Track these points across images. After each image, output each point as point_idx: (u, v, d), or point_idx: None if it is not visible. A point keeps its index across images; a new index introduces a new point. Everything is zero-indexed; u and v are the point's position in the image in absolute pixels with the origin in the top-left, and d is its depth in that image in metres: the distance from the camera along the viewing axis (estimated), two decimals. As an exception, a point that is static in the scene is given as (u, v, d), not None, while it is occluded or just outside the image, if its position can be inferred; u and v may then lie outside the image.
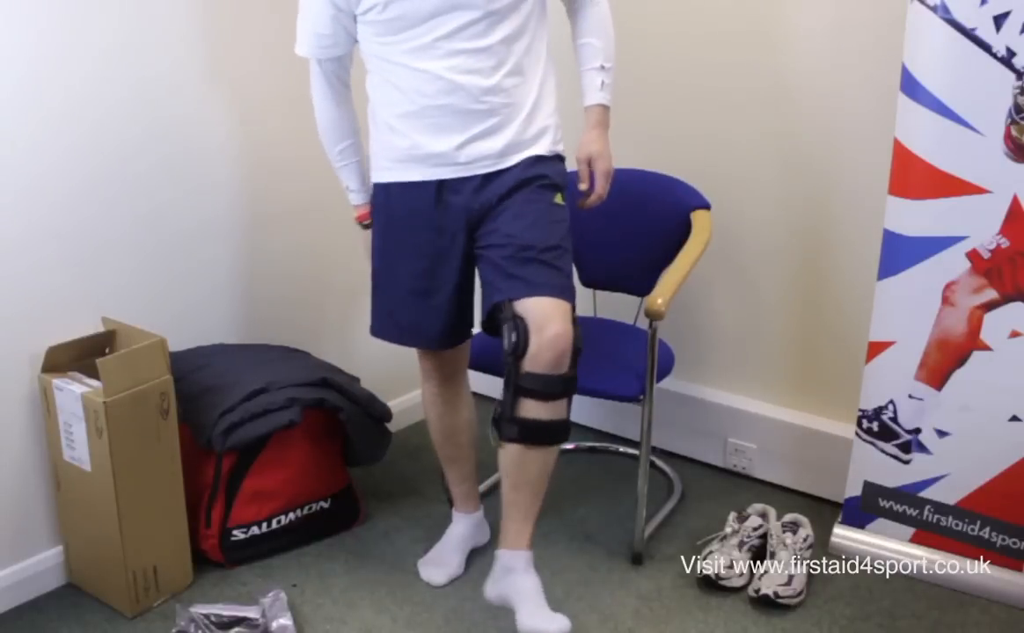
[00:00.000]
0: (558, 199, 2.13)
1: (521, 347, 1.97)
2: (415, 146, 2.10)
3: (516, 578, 2.11)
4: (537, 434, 2.03)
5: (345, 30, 2.12)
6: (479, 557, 2.52)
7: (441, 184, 2.11)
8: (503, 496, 2.14)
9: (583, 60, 2.20)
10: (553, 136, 2.15)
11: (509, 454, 2.07)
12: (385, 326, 2.29)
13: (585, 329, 2.66)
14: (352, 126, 2.26)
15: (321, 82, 2.21)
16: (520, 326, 1.98)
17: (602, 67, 2.18)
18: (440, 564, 2.47)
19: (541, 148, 2.12)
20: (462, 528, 2.52)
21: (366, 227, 2.30)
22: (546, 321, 1.96)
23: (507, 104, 2.07)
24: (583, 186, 2.19)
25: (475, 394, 2.49)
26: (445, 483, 2.69)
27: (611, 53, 2.20)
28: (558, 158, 2.18)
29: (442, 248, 2.15)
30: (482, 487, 2.72)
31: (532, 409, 2.00)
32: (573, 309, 2.06)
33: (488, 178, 2.10)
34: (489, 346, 2.31)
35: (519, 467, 2.08)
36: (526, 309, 1.98)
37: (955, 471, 2.39)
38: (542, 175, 2.11)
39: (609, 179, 2.20)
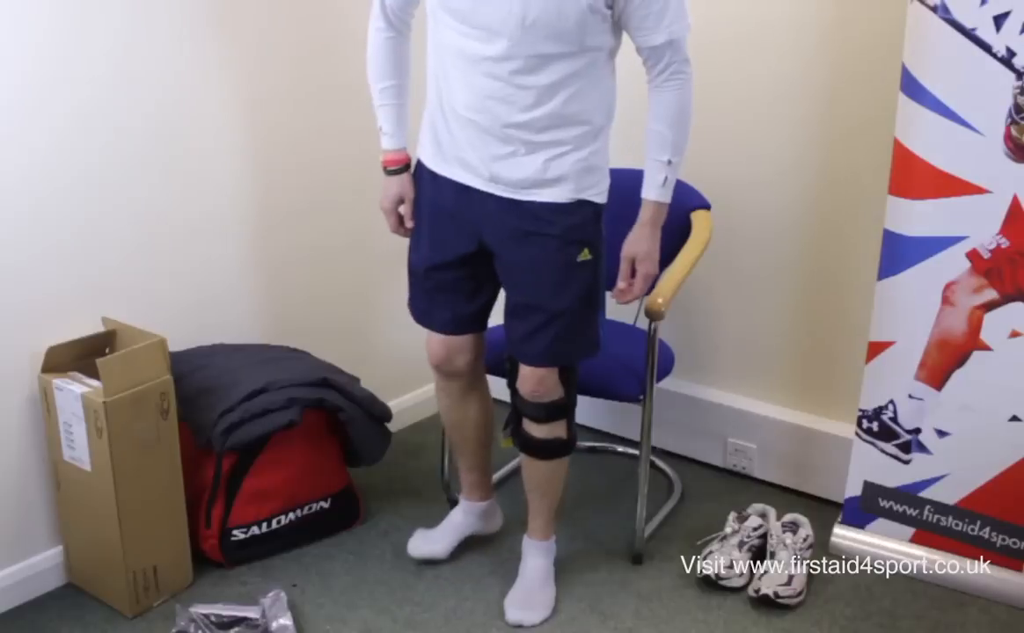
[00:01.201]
0: (584, 255, 2.07)
1: (514, 372, 2.20)
2: (450, 143, 2.08)
3: (524, 561, 2.38)
4: (535, 448, 2.26)
5: None
6: (478, 554, 2.52)
7: (466, 188, 2.09)
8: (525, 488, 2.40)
9: (649, 147, 2.06)
10: (576, 184, 2.03)
11: (522, 457, 2.33)
12: (411, 298, 2.31)
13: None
14: (401, 67, 2.17)
15: (380, 15, 2.13)
16: (512, 362, 2.21)
17: (669, 162, 2.04)
18: (426, 539, 2.51)
19: (562, 194, 2.03)
20: (461, 515, 2.54)
21: (390, 173, 2.20)
22: (522, 369, 2.17)
23: (530, 141, 1.99)
24: (622, 284, 2.14)
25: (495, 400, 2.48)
26: (444, 480, 2.71)
27: (682, 145, 2.06)
28: (584, 205, 2.06)
29: (452, 245, 2.16)
30: (497, 475, 2.72)
31: (529, 427, 2.23)
32: (567, 362, 2.16)
33: (508, 202, 2.05)
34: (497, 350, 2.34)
35: (528, 471, 2.34)
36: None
37: (955, 471, 2.39)
38: (563, 235, 2.04)
39: (649, 281, 2.14)
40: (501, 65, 1.93)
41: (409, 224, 2.22)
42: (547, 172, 2.02)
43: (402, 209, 2.22)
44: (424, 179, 2.18)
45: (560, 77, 1.95)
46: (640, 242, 2.11)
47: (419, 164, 2.20)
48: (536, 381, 2.14)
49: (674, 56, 1.99)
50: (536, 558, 2.37)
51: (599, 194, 2.09)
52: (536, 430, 2.22)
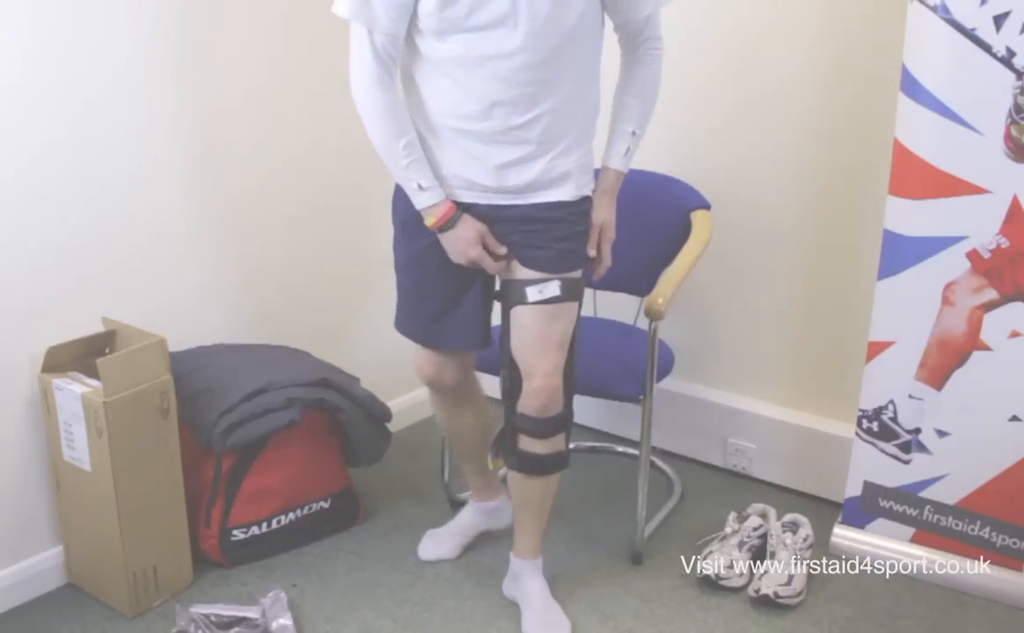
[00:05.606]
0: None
1: (515, 391, 2.11)
2: (444, 163, 2.02)
3: (523, 583, 2.29)
4: (534, 465, 2.17)
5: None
6: (478, 554, 2.53)
7: (465, 207, 2.05)
8: (513, 509, 2.32)
9: (617, 117, 2.11)
10: (577, 181, 2.05)
11: (513, 478, 2.24)
12: (402, 321, 2.27)
13: (585, 329, 2.66)
14: (409, 117, 2.01)
15: (376, 67, 1.93)
16: (514, 373, 2.10)
17: (633, 133, 2.09)
18: (436, 541, 2.54)
19: (566, 193, 2.04)
20: (470, 515, 2.56)
21: (452, 224, 2.03)
22: (532, 371, 2.07)
23: (538, 140, 1.97)
24: (592, 253, 2.13)
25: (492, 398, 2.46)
26: (444, 480, 2.72)
27: (647, 119, 2.12)
28: (585, 200, 2.09)
29: (441, 261, 2.11)
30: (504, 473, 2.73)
31: (528, 444, 2.14)
32: (568, 346, 2.09)
33: (510, 207, 2.04)
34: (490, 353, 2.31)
35: (521, 490, 2.24)
36: (518, 355, 2.09)
37: (955, 471, 2.39)
38: (564, 219, 2.05)
39: (610, 245, 2.18)
40: (504, 63, 1.90)
41: (502, 250, 2.06)
42: (552, 171, 2.01)
43: (488, 243, 2.07)
44: (404, 202, 2.08)
45: (559, 71, 1.94)
46: (603, 210, 2.13)
47: (398, 187, 2.11)
48: (535, 377, 2.05)
49: (651, 29, 2.05)
50: (534, 578, 2.30)
51: (592, 188, 2.13)
52: (538, 446, 2.13)
